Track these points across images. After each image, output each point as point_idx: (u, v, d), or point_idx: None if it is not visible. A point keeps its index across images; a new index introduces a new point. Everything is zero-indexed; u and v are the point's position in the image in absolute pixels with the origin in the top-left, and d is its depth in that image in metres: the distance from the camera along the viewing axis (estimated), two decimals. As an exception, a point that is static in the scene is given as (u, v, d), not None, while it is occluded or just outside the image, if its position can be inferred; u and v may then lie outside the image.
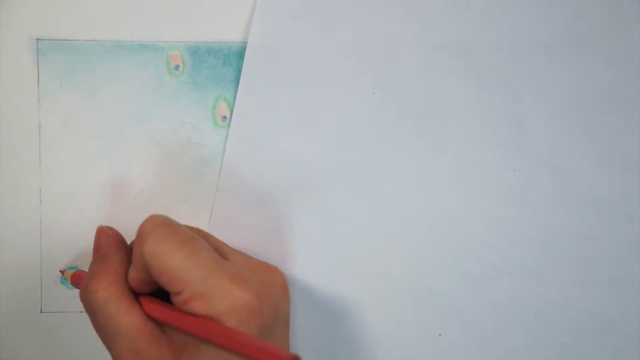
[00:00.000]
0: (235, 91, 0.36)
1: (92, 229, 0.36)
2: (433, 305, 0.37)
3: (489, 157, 0.36)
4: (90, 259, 0.36)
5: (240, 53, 0.36)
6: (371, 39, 0.36)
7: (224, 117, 0.36)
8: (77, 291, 0.36)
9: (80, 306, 0.36)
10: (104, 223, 0.36)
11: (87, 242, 0.36)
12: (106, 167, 0.36)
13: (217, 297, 0.27)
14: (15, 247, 0.36)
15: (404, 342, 0.37)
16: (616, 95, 0.36)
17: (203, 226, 0.36)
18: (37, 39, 0.35)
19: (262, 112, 0.36)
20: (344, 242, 0.36)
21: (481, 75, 0.36)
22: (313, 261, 0.36)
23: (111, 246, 0.31)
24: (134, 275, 0.29)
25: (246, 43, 0.36)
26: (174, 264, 0.27)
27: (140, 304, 0.29)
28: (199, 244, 0.28)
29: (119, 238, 0.31)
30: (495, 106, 0.36)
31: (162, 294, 0.29)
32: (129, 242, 0.32)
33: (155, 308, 0.28)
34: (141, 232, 0.28)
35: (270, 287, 0.30)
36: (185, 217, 0.36)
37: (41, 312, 0.36)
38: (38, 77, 0.36)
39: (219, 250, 0.30)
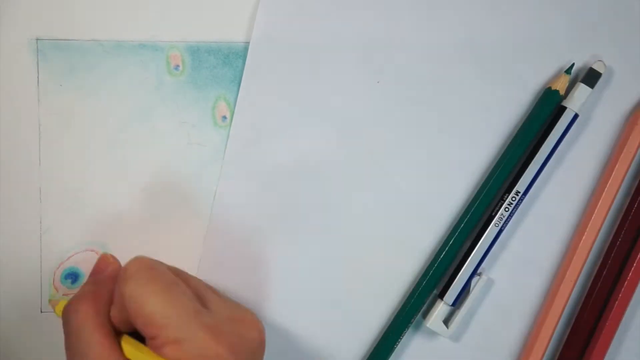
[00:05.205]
0: (236, 91, 0.36)
1: (92, 228, 0.36)
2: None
3: (492, 148, 0.36)
4: (88, 264, 0.36)
5: (241, 53, 0.36)
6: (375, 28, 0.36)
7: (224, 117, 0.36)
8: (76, 291, 0.36)
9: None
10: (104, 223, 0.36)
11: (87, 242, 0.36)
12: (106, 167, 0.36)
13: (190, 346, 0.26)
14: (15, 247, 0.36)
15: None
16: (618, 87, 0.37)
17: (202, 225, 0.36)
18: (37, 39, 0.35)
19: (265, 102, 0.36)
20: (347, 233, 0.36)
21: (485, 65, 0.36)
22: (315, 253, 0.36)
23: (109, 276, 0.31)
24: (114, 313, 0.29)
25: (246, 43, 0.36)
26: (151, 309, 0.27)
27: (115, 339, 0.29)
28: (179, 291, 0.28)
29: (118, 270, 0.31)
30: (498, 97, 0.36)
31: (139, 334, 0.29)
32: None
33: (130, 349, 0.28)
34: (124, 273, 0.28)
35: (248, 341, 0.29)
36: (185, 217, 0.36)
37: (41, 312, 0.36)
38: (38, 77, 0.36)
39: (201, 297, 0.30)
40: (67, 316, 0.29)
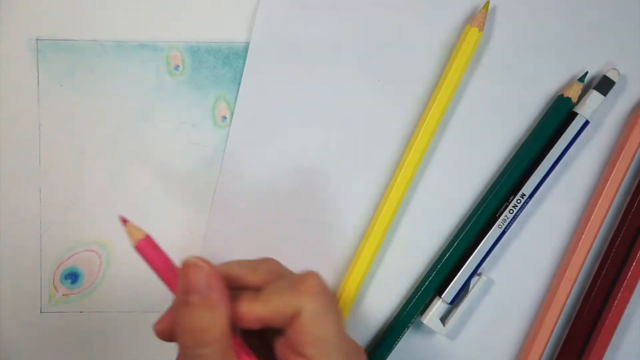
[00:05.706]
0: (236, 91, 0.36)
1: (92, 229, 0.36)
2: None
3: (501, 152, 0.36)
4: (88, 264, 0.36)
5: (241, 53, 0.36)
6: (375, 27, 0.36)
7: (224, 117, 0.36)
8: (76, 291, 0.36)
9: (79, 306, 0.36)
10: (104, 223, 0.36)
11: (87, 242, 0.36)
12: (106, 166, 0.36)
13: None
14: (15, 247, 0.36)
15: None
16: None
17: (202, 225, 0.36)
18: (37, 39, 0.35)
19: (264, 102, 0.36)
20: (346, 232, 0.36)
21: (487, 65, 0.36)
22: (315, 252, 0.36)
23: (215, 289, 0.26)
24: (257, 312, 0.27)
25: (246, 43, 0.36)
26: (327, 335, 0.26)
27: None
28: (344, 321, 0.28)
29: (218, 277, 0.27)
30: (501, 96, 0.36)
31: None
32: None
33: None
34: (307, 287, 0.27)
35: None
36: (185, 217, 0.36)
37: (41, 312, 0.36)
38: (38, 77, 0.36)
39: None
40: (194, 351, 0.26)
